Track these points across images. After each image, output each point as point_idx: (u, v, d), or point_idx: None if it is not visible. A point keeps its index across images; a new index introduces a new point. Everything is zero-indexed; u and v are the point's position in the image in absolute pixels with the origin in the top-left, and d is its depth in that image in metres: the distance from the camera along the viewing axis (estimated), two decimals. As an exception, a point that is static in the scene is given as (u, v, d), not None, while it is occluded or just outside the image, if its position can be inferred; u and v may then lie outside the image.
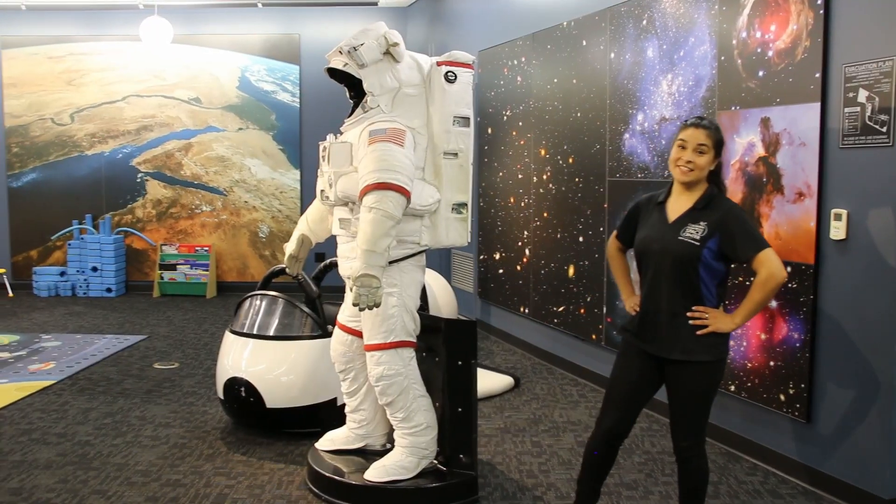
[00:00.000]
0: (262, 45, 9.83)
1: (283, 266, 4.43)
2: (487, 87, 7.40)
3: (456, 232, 3.81)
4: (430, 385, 3.88)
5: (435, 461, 3.88)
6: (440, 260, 8.75)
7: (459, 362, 3.81)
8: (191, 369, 6.26)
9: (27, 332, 7.61)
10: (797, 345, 3.96)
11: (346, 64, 3.70)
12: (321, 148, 3.84)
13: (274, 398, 4.56)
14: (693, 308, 3.00)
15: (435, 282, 6.24)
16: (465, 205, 3.82)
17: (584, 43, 5.75)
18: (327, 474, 3.83)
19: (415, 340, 3.79)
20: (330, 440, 4.15)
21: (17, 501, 3.82)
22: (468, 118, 3.80)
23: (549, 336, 6.45)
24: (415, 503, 3.71)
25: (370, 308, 3.46)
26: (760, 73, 4.14)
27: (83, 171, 10.00)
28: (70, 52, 9.88)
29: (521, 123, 6.77)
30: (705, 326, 2.99)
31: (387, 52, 3.69)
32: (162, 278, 9.85)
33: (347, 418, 4.12)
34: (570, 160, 5.98)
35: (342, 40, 3.74)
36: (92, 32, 9.88)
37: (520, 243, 6.83)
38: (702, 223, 3.00)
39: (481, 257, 7.66)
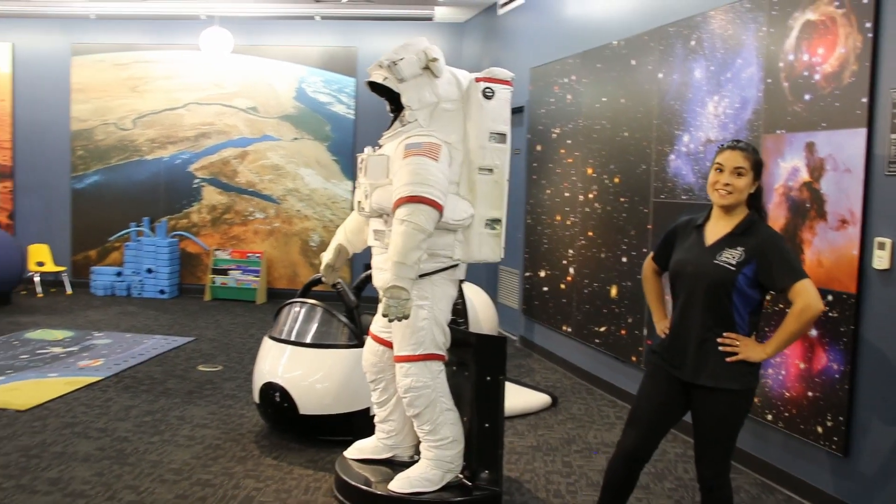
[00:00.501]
0: (320, 56, 10.00)
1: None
2: (538, 105, 7.41)
3: (489, 247, 3.82)
4: (459, 399, 3.89)
5: (460, 475, 3.87)
6: (486, 275, 8.75)
7: (488, 378, 3.81)
8: (233, 373, 6.37)
9: (81, 329, 7.83)
10: (836, 376, 3.86)
11: (386, 78, 3.75)
12: (359, 160, 3.90)
13: (307, 405, 4.62)
14: (724, 335, 2.96)
15: (476, 297, 6.26)
16: (499, 221, 3.83)
17: (633, 62, 5.72)
18: (353, 483, 3.86)
19: (444, 354, 3.80)
20: (358, 449, 4.18)
21: (53, 491, 3.94)
22: (504, 134, 3.82)
23: (589, 356, 6.40)
24: (437, 516, 3.70)
25: (399, 320, 3.50)
26: (807, 97, 4.07)
27: (143, 175, 10.28)
28: (135, 59, 10.19)
29: (569, 141, 6.75)
30: (735, 353, 2.94)
31: (426, 68, 3.73)
32: (214, 282, 10.05)
33: (377, 428, 4.15)
34: (616, 180, 5.94)
35: (384, 54, 3.79)
36: (156, 41, 10.18)
37: (564, 261, 6.80)
38: (739, 248, 2.96)
39: (526, 274, 7.64)
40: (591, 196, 6.36)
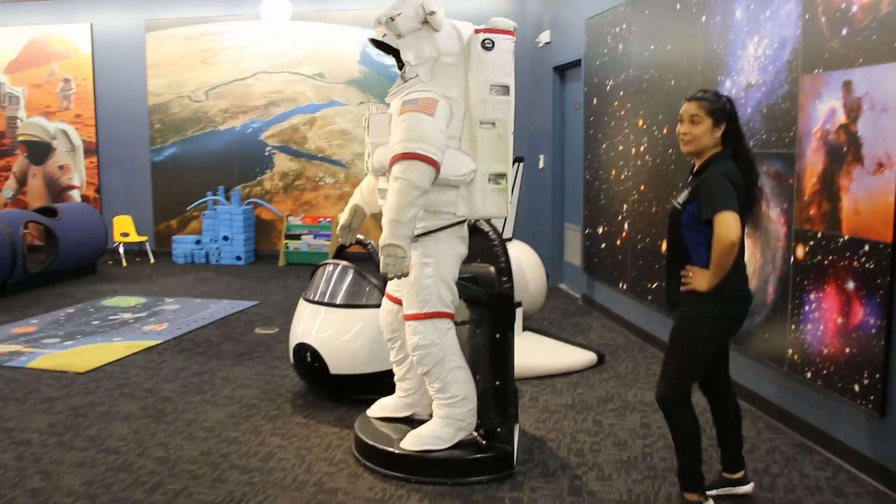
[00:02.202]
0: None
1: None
2: (594, 57, 7.17)
3: (493, 203, 3.72)
4: (479, 358, 3.85)
5: (475, 434, 3.84)
6: (552, 233, 8.60)
7: (497, 335, 3.75)
8: (287, 335, 6.48)
9: (154, 296, 8.14)
10: (872, 331, 3.60)
11: (385, 34, 3.69)
12: (364, 119, 3.86)
13: (337, 364, 4.66)
14: (685, 268, 3.19)
15: (524, 256, 6.15)
16: (504, 175, 3.72)
17: (678, 6, 5.44)
18: (367, 440, 3.88)
19: (451, 311, 3.75)
20: (380, 407, 4.21)
21: (89, 448, 4.12)
22: (507, 86, 3.69)
23: (643, 313, 6.22)
24: (448, 474, 3.67)
25: (398, 277, 3.48)
26: (844, 31, 3.77)
27: (217, 146, 10.54)
28: (204, 32, 10.41)
29: (621, 93, 6.51)
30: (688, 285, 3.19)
31: (425, 22, 3.63)
32: (287, 248, 10.26)
33: (396, 387, 4.15)
34: (665, 131, 5.70)
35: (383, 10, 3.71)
36: (223, 13, 10.36)
37: (619, 217, 6.60)
38: (688, 189, 3.22)
39: (587, 231, 7.47)
40: (641, 149, 6.13)
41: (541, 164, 8.80)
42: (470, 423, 3.80)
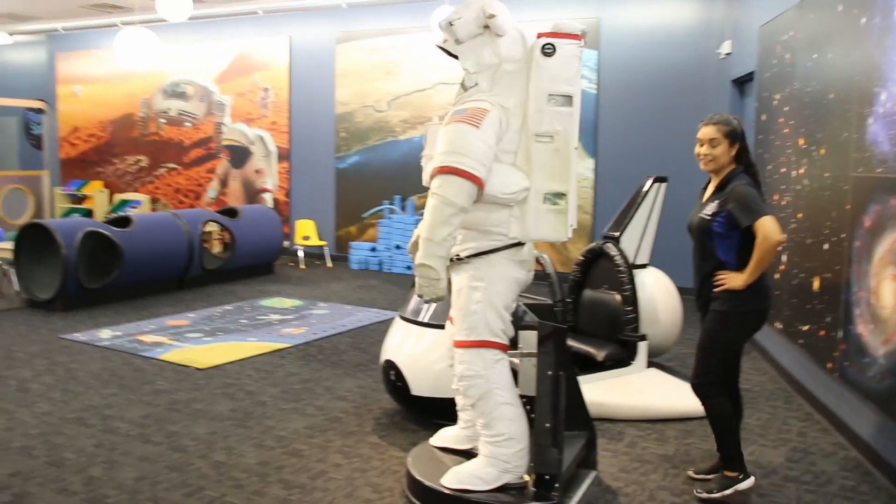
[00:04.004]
0: (561, 30, 9.62)
1: None
2: (764, 69, 6.45)
3: (548, 225, 3.35)
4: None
5: (526, 478, 3.48)
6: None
7: (549, 372, 3.37)
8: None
9: (311, 300, 8.37)
10: None
11: (446, 40, 3.45)
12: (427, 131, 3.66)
13: (419, 386, 4.46)
14: (715, 273, 3.60)
15: (657, 284, 5.61)
16: (563, 195, 3.33)
17: (840, 8, 4.71)
18: (412, 471, 3.64)
19: (502, 341, 3.43)
20: (441, 437, 3.95)
21: (162, 443, 4.22)
22: (569, 96, 3.30)
23: (794, 358, 5.46)
24: (484, 519, 3.35)
25: (435, 301, 3.24)
26: None
27: (395, 155, 10.71)
28: (389, 44, 10.62)
29: (786, 109, 5.78)
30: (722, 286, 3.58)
31: (487, 26, 3.35)
32: (455, 260, 10.18)
33: (458, 417, 3.88)
34: (822, 151, 4.97)
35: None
36: (410, 24, 10.50)
37: (779, 248, 5.85)
38: (715, 202, 3.59)
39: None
40: (801, 171, 5.39)
41: (717, 185, 8.07)
42: (517, 466, 3.44)
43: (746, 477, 3.63)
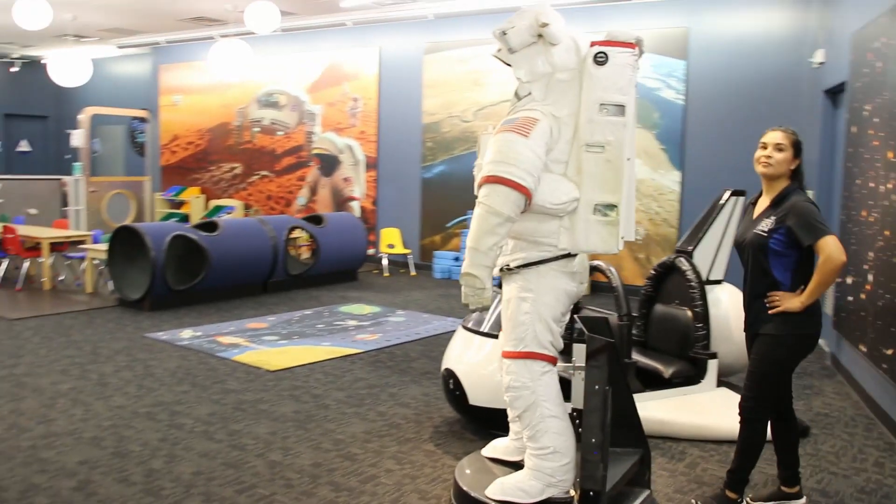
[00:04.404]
0: (649, 39, 9.42)
1: None
2: (856, 78, 6.16)
3: (598, 236, 3.28)
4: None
5: (573, 493, 3.41)
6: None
7: (597, 387, 3.30)
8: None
9: (389, 307, 8.46)
10: None
11: (500, 49, 3.45)
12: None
13: (477, 395, 4.44)
14: (769, 294, 3.45)
15: (731, 301, 5.42)
16: (614, 206, 3.26)
17: (931, 13, 4.47)
18: (458, 480, 3.62)
19: (551, 354, 3.38)
20: (493, 448, 3.92)
21: (223, 441, 4.34)
22: (622, 105, 3.23)
23: (878, 383, 5.18)
24: (526, 533, 3.30)
25: (480, 310, 3.24)
26: None
27: (479, 165, 10.71)
28: (475, 54, 10.66)
29: (876, 120, 5.50)
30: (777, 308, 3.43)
31: (540, 35, 3.33)
32: (537, 272, 10.11)
33: (510, 428, 3.84)
34: (911, 165, 4.71)
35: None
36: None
37: (865, 266, 5.58)
38: (772, 217, 3.45)
39: (838, 281, 6.43)
40: (890, 186, 5.11)
41: (807, 200, 7.75)
42: (563, 481, 3.38)
43: (743, 500, 3.67)
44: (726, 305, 5.34)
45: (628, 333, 4.72)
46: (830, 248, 3.26)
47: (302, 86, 12.36)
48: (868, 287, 5.48)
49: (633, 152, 3.61)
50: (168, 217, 13.24)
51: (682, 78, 9.28)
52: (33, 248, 9.03)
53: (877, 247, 5.31)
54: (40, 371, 5.60)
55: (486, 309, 3.27)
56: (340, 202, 12.02)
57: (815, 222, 3.34)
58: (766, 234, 3.43)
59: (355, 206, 11.83)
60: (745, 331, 3.67)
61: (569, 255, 3.36)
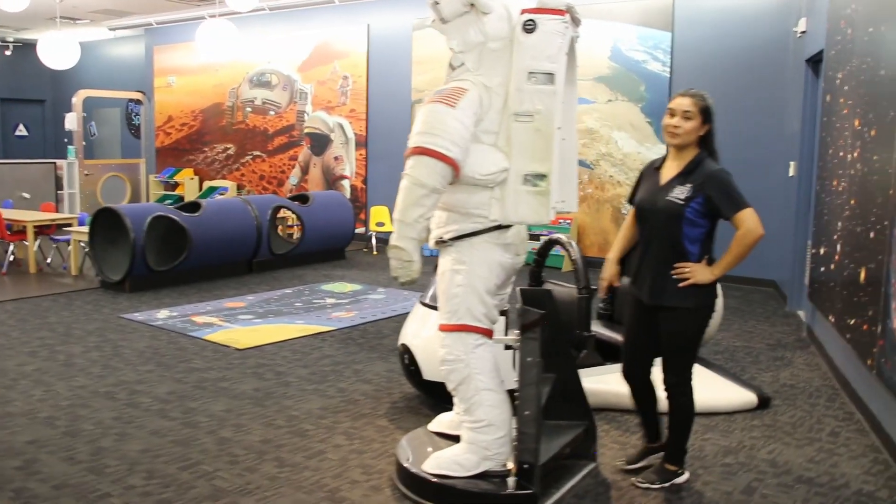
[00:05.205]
0: (634, 11, 9.35)
1: None
2: (830, 46, 6.06)
3: (528, 207, 3.24)
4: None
5: (510, 465, 3.39)
6: (795, 251, 7.45)
7: (530, 359, 3.28)
8: (456, 335, 6.34)
9: (371, 285, 8.44)
10: None
11: (434, 20, 3.40)
12: None
13: (431, 371, 4.42)
14: (676, 265, 3.32)
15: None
16: (544, 176, 3.21)
17: (891, -26, 4.36)
18: (398, 455, 3.62)
19: (485, 326, 3.36)
20: (439, 422, 3.92)
21: (177, 419, 4.35)
22: (551, 74, 3.18)
23: (842, 353, 5.12)
24: (460, 506, 3.30)
25: (409, 283, 3.22)
26: None
27: (468, 142, 10.64)
28: (461, 29, 10.56)
29: (846, 88, 5.41)
30: (687, 279, 3.30)
31: (472, 4, 3.27)
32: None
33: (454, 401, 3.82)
34: (873, 132, 4.62)
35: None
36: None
37: (835, 237, 5.51)
38: (687, 185, 3.31)
39: (812, 252, 6.36)
40: (855, 155, 5.03)
41: (791, 172, 7.67)
42: (498, 454, 3.36)
43: (683, 472, 3.62)
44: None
45: (587, 306, 4.68)
46: (751, 221, 3.21)
47: (293, 65, 12.31)
48: (837, 257, 5.41)
49: (573, 122, 3.57)
50: (163, 199, 13.25)
51: (667, 50, 9.17)
52: (20, 231, 9.08)
53: (844, 216, 5.24)
54: (9, 353, 5.62)
55: (414, 282, 3.24)
56: (332, 181, 11.99)
57: (735, 194, 3.27)
58: (682, 202, 3.28)
59: (346, 185, 11.80)
60: (638, 300, 3.52)
61: (501, 227, 3.33)
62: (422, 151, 3.12)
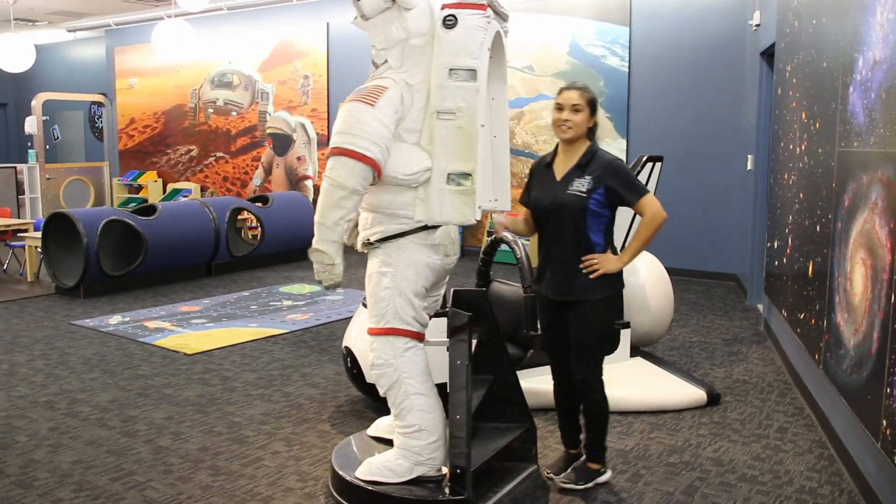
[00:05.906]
0: (592, 6, 9.30)
1: None
2: (781, 38, 6.04)
3: (452, 207, 3.15)
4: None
5: (445, 470, 3.32)
6: (753, 246, 7.44)
7: (459, 362, 3.21)
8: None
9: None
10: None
11: (356, 17, 3.32)
12: None
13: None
14: (584, 258, 3.29)
15: (648, 268, 5.34)
16: (468, 175, 3.14)
17: (831, -34, 4.34)
18: (332, 461, 3.54)
19: (414, 329, 3.28)
20: (377, 426, 3.85)
21: (115, 428, 4.25)
22: (473, 70, 3.11)
23: (795, 348, 5.10)
24: (392, 513, 3.22)
25: (333, 288, 3.15)
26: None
27: (430, 140, 10.57)
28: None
29: (794, 80, 5.39)
30: (596, 271, 3.29)
31: (394, 0, 3.20)
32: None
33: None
34: (817, 125, 4.60)
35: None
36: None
37: (787, 230, 5.49)
38: (587, 177, 3.30)
39: (767, 245, 6.35)
40: (803, 147, 5.01)
41: (749, 166, 7.65)
42: (431, 459, 3.29)
43: (606, 470, 3.57)
44: (644, 275, 5.27)
45: (532, 306, 4.62)
46: (655, 205, 3.27)
47: (254, 65, 12.18)
48: (788, 251, 5.40)
49: (505, 119, 3.51)
50: (127, 202, 13.08)
51: (625, 45, 9.14)
52: (-27, 237, 8.91)
53: (794, 209, 5.22)
54: (-49, 362, 5.50)
55: (338, 286, 3.17)
56: (295, 181, 11.88)
57: (635, 181, 3.32)
58: (584, 195, 3.27)
59: (308, 185, 11.69)
60: (547, 299, 3.46)
61: (428, 227, 3.25)
62: (341, 152, 3.05)
